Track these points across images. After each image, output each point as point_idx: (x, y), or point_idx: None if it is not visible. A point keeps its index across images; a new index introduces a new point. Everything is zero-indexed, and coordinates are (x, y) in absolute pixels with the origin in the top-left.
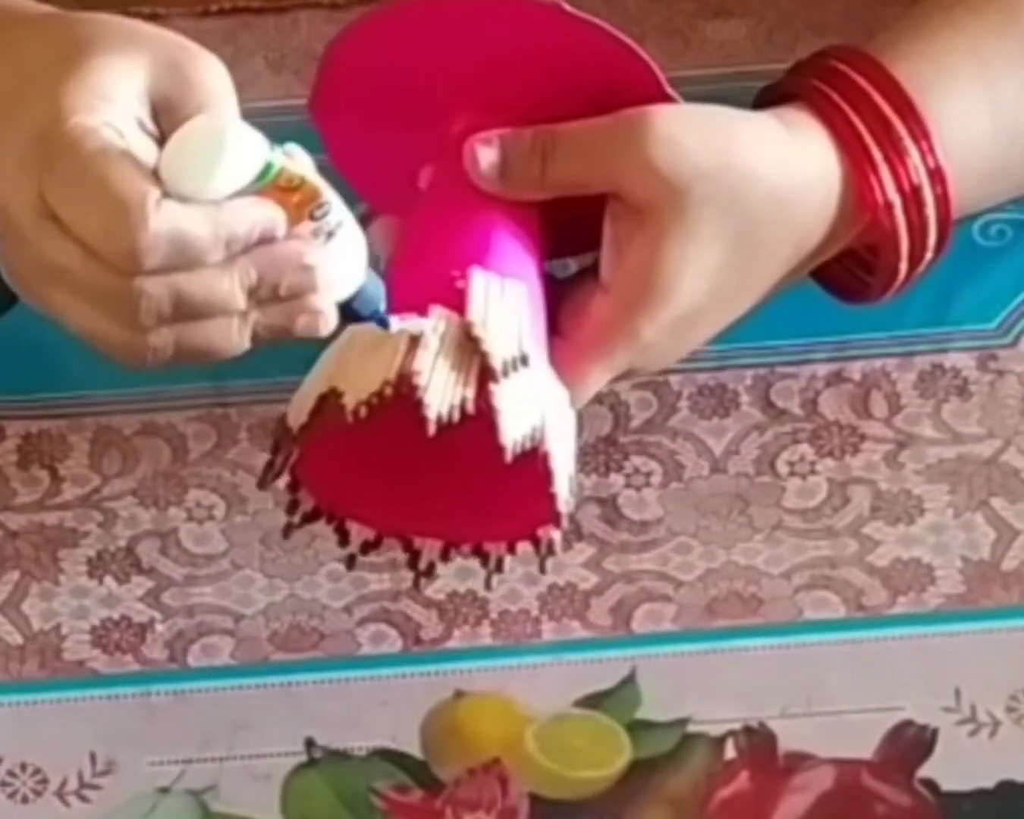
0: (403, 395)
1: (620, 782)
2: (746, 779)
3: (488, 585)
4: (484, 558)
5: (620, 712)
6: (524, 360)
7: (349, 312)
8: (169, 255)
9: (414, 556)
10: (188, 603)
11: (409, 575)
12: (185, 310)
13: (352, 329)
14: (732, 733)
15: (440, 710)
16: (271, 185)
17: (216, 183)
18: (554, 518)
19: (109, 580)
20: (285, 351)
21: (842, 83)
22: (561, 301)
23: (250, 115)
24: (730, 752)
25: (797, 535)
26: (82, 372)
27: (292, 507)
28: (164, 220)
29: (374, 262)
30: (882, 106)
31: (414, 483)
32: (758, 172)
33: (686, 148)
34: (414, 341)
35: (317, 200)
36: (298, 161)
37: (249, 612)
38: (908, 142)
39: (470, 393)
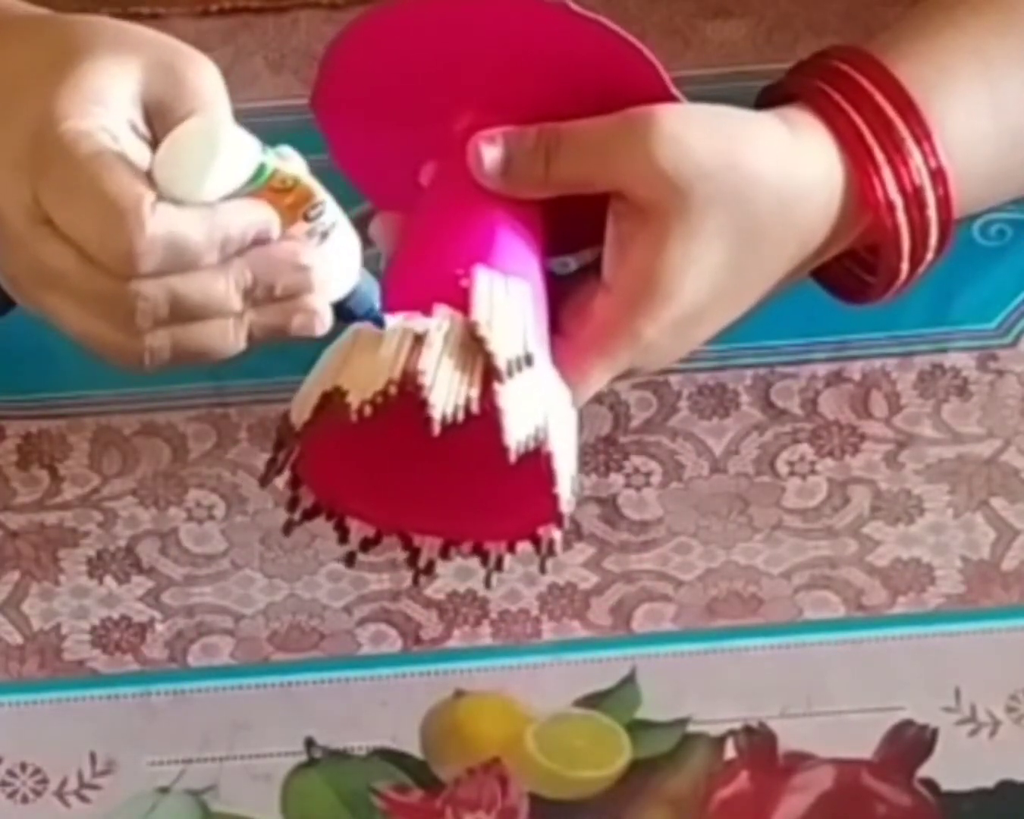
0: (407, 394)
1: (620, 782)
2: (746, 779)
3: (488, 584)
4: (484, 557)
5: (620, 712)
6: (528, 360)
7: (344, 312)
8: (165, 258)
9: (414, 554)
10: (188, 603)
11: (409, 575)
12: (181, 312)
13: (355, 327)
14: (732, 733)
15: (440, 710)
16: (264, 187)
17: (210, 185)
18: (556, 518)
19: (109, 580)
20: (285, 351)
21: (844, 84)
22: (562, 299)
23: (250, 115)
24: (730, 752)
25: (797, 535)
26: (82, 372)
27: (292, 504)
28: (160, 223)
29: (372, 260)
30: (884, 107)
31: (415, 480)
32: (762, 172)
33: (690, 148)
34: (418, 340)
35: (311, 201)
36: (291, 163)
37: (249, 612)
38: (910, 143)
39: (474, 393)
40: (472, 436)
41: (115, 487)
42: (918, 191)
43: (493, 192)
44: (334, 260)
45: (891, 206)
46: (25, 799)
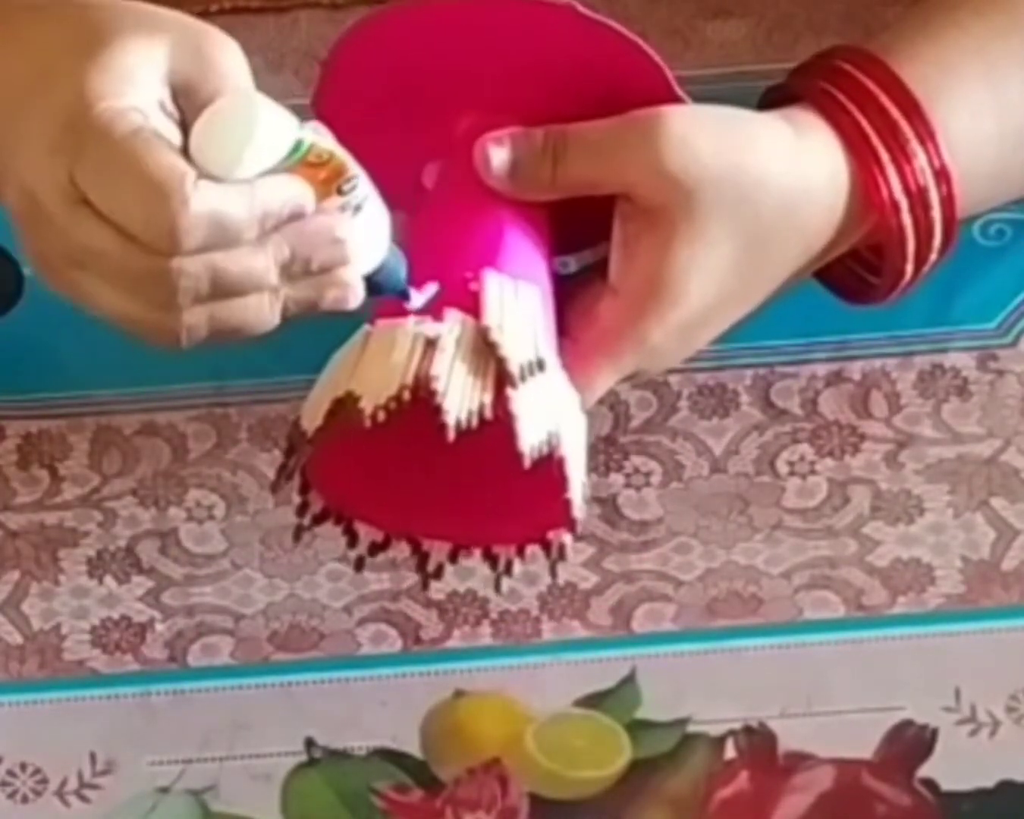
0: (420, 400)
1: (620, 782)
2: (746, 779)
3: (497, 588)
4: (494, 561)
5: (620, 712)
6: (540, 365)
7: (372, 286)
8: (208, 235)
9: (423, 558)
10: (188, 603)
11: (410, 575)
12: (221, 288)
13: (364, 330)
14: (732, 733)
15: (440, 710)
16: (299, 162)
17: (248, 161)
18: (568, 522)
19: (109, 580)
20: (285, 351)
21: (849, 84)
22: (568, 301)
23: None
24: (730, 752)
25: (797, 535)
26: (82, 372)
27: (302, 509)
28: (203, 200)
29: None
30: (889, 107)
31: (425, 485)
32: (768, 174)
33: (698, 150)
34: (430, 344)
35: (345, 175)
36: (324, 137)
37: (249, 612)
38: (915, 143)
39: (488, 399)
40: (484, 441)
41: (115, 487)
42: (922, 191)
43: (499, 194)
44: (366, 234)
45: (896, 206)
46: (25, 799)
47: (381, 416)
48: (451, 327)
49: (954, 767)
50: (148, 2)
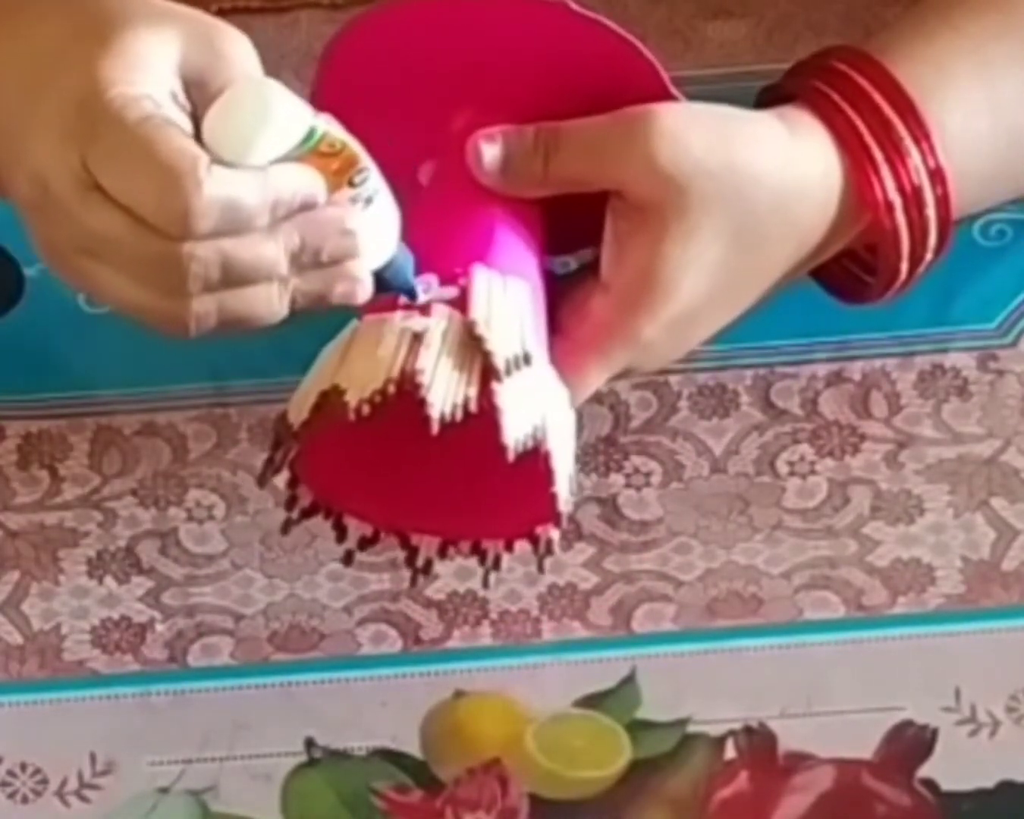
0: (405, 393)
1: (620, 782)
2: (746, 779)
3: (485, 583)
4: (482, 556)
5: (620, 712)
6: (526, 359)
7: (380, 282)
8: (220, 220)
9: (411, 553)
10: (188, 603)
11: (409, 576)
12: (232, 276)
13: (352, 325)
14: (732, 733)
15: (440, 710)
16: (311, 151)
17: (261, 148)
18: (554, 517)
19: (109, 580)
20: (285, 351)
21: (843, 84)
22: (561, 298)
23: None
24: (730, 752)
25: (797, 535)
26: (82, 372)
27: (290, 503)
28: (216, 185)
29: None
30: (883, 107)
31: (413, 479)
32: (760, 172)
33: (689, 147)
34: (417, 339)
35: (356, 166)
36: (337, 127)
37: (249, 612)
38: (909, 143)
39: (473, 392)
40: (470, 435)
41: (115, 487)
42: (917, 191)
43: (492, 191)
44: (376, 227)
45: (890, 206)
46: (25, 799)
47: (366, 409)
48: (438, 321)
49: (954, 767)
50: None
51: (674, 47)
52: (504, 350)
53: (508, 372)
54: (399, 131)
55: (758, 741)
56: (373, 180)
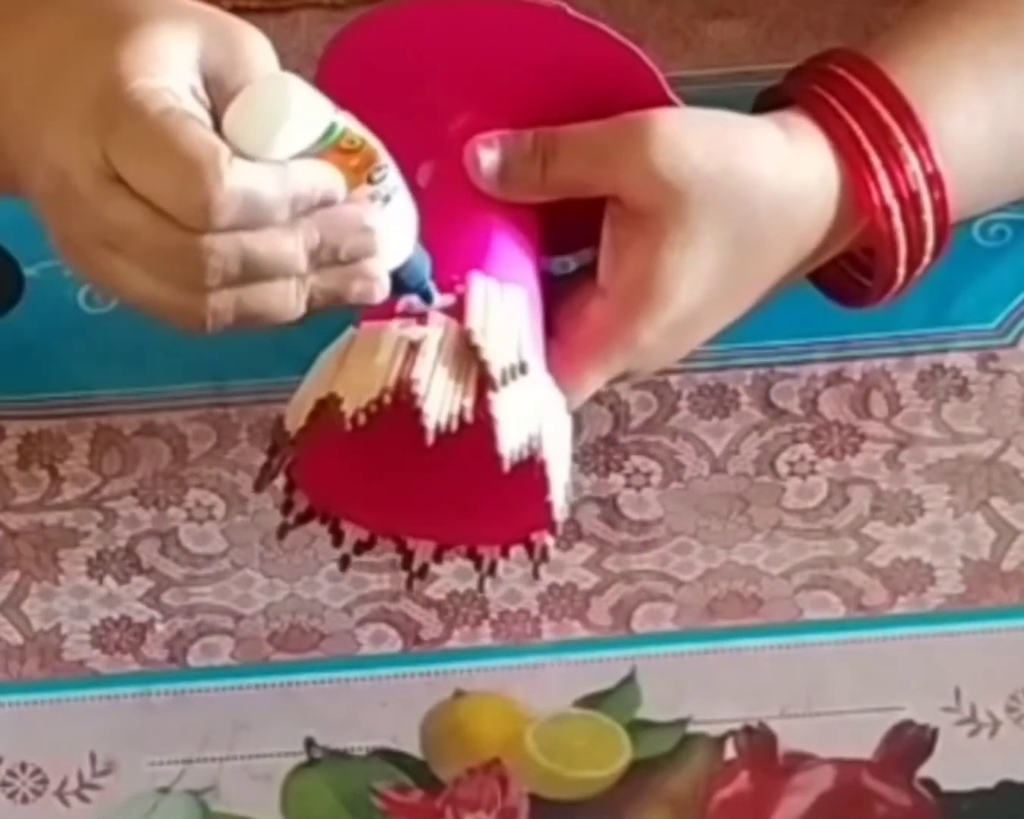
0: (401, 403)
1: (620, 782)
2: (746, 779)
3: (481, 587)
4: (477, 561)
5: (620, 712)
6: (523, 368)
7: (397, 283)
8: (240, 212)
9: (407, 557)
10: (188, 603)
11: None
12: (250, 270)
13: (350, 332)
14: (732, 733)
15: (440, 710)
16: (331, 147)
17: (282, 142)
18: (549, 525)
19: (109, 580)
20: (285, 351)
21: (841, 89)
22: (558, 302)
23: None
24: (730, 752)
25: (797, 535)
26: (82, 372)
27: (287, 507)
28: (237, 177)
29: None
30: (881, 112)
31: (409, 486)
32: (758, 177)
33: (687, 152)
34: (413, 348)
35: (376, 163)
36: (356, 124)
37: (249, 612)
38: (906, 148)
39: (469, 402)
40: (466, 444)
41: (115, 487)
42: (914, 196)
43: (490, 195)
44: (394, 226)
45: (887, 211)
46: (25, 799)
47: (362, 419)
48: (434, 330)
49: (954, 767)
50: None
51: (674, 47)
52: (500, 359)
53: (504, 382)
54: (397, 133)
55: (758, 741)
56: (392, 178)
